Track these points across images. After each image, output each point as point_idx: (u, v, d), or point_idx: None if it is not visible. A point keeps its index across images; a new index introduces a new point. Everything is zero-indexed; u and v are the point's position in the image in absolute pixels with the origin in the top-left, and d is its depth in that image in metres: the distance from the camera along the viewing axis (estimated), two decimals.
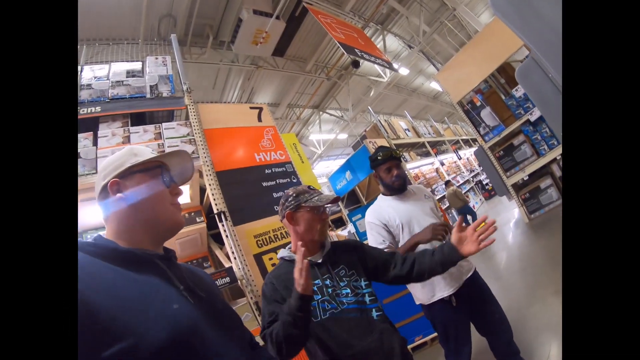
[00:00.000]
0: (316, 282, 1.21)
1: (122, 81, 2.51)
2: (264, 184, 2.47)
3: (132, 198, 0.79)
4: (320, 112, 10.44)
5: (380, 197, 1.93)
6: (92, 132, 2.34)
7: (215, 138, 2.34)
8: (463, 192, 8.80)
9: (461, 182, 10.70)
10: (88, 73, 2.56)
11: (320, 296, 1.19)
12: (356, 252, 1.34)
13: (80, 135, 2.31)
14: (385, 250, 1.41)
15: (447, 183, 8.32)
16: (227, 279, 2.03)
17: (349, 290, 1.22)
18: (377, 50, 6.22)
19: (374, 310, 1.21)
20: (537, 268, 3.64)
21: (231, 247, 2.04)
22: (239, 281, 2.02)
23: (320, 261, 1.27)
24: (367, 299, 1.23)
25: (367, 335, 1.15)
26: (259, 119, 2.74)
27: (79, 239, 0.72)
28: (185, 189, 2.28)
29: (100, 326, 0.59)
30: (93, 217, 2.35)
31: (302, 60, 7.71)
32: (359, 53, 5.04)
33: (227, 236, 2.05)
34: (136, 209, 0.79)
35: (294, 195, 1.31)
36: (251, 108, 2.77)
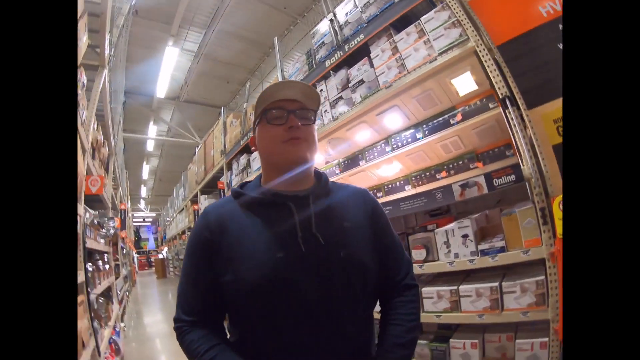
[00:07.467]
0: None
1: (369, 1, 2.53)
2: (561, 45, 1.67)
3: (257, 149, 0.94)
4: None
5: None
6: (367, 57, 2.56)
7: (484, 5, 1.84)
8: None
9: None
10: (341, 16, 2.81)
11: None
12: None
13: (359, 64, 2.60)
14: None
15: None
16: (512, 177, 1.66)
17: None
18: None
19: None
20: None
21: (519, 139, 1.64)
22: (526, 181, 1.62)
23: None
24: None
25: None
26: None
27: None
28: (467, 77, 2.02)
29: (223, 259, 0.82)
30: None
31: None
32: None
33: (513, 125, 1.65)
34: (261, 157, 0.94)
35: None
36: None
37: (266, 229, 0.83)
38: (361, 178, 2.82)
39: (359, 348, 0.85)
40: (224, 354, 0.79)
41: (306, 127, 0.88)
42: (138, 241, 25.75)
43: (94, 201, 3.61)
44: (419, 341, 2.19)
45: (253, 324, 0.82)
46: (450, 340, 2.00)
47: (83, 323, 1.78)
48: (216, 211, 0.89)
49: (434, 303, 2.08)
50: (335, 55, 2.77)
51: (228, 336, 0.90)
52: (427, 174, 2.42)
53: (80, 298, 1.94)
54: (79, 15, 1.82)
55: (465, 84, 2.06)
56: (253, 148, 0.97)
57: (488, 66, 1.73)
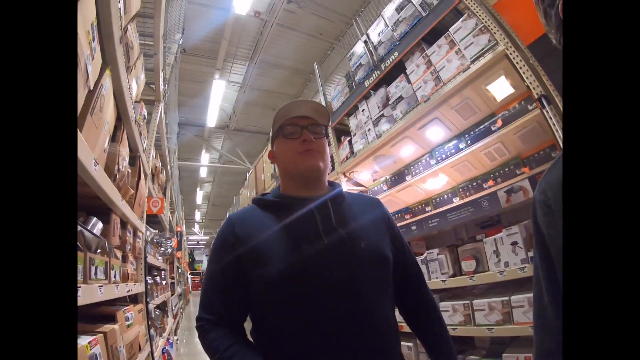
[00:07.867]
0: None
1: (398, 19, 2.62)
2: None
3: (276, 161, 1.02)
4: None
5: None
6: (403, 74, 2.64)
7: (508, 7, 1.85)
8: None
9: None
10: (374, 36, 2.92)
11: None
12: None
13: (396, 82, 2.68)
14: None
15: None
16: None
17: None
18: None
19: None
20: None
21: (560, 137, 1.58)
22: None
23: None
24: None
25: None
26: None
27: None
28: (502, 81, 2.00)
29: (250, 259, 0.87)
30: None
31: None
32: None
33: (552, 124, 1.60)
34: (279, 168, 1.01)
35: None
36: None
37: (289, 227, 0.90)
38: (409, 193, 2.82)
39: (384, 335, 0.87)
40: (243, 352, 0.83)
41: (318, 140, 0.97)
42: (192, 263, 26.97)
43: (153, 222, 3.92)
44: (471, 357, 2.11)
45: (279, 320, 0.85)
46: (503, 355, 1.89)
47: (141, 329, 1.93)
48: (240, 217, 0.97)
49: (485, 315, 1.99)
50: (373, 75, 2.87)
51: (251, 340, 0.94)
52: (474, 184, 2.35)
53: (140, 306, 2.11)
54: (135, 57, 2.07)
55: (501, 88, 2.03)
56: (272, 161, 1.06)
57: (520, 67, 1.71)
